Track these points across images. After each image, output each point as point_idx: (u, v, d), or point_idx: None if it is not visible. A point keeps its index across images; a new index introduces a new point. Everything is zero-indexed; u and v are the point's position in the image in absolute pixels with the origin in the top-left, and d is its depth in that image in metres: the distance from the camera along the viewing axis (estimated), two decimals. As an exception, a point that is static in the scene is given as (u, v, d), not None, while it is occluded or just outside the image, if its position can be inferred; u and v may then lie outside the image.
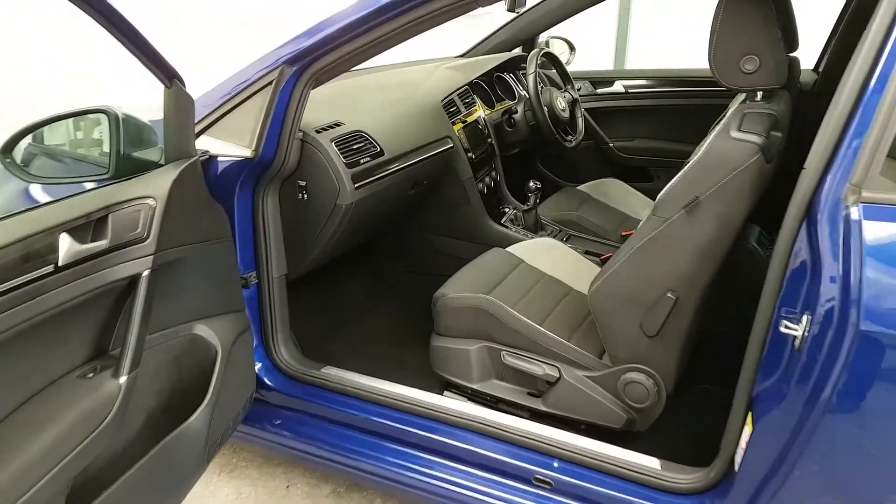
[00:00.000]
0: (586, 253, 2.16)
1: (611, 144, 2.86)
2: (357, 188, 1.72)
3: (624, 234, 2.31)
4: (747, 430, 1.25)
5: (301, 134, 1.64)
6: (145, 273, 1.22)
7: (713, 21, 1.28)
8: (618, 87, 2.87)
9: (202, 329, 1.41)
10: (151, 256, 1.22)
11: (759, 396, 1.23)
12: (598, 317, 1.55)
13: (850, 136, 1.03)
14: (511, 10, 2.07)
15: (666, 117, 2.76)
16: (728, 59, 1.28)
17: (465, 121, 2.26)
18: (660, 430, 1.61)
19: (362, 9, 1.41)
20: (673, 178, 1.37)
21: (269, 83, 1.46)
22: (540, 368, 1.62)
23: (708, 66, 1.32)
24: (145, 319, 1.22)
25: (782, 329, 1.10)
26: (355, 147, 1.75)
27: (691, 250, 1.36)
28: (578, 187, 2.72)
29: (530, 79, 2.33)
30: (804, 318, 1.05)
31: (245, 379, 1.57)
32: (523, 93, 2.72)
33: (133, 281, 1.22)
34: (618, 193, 2.67)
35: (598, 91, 2.89)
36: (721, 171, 1.27)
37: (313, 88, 1.55)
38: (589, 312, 1.59)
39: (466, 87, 2.36)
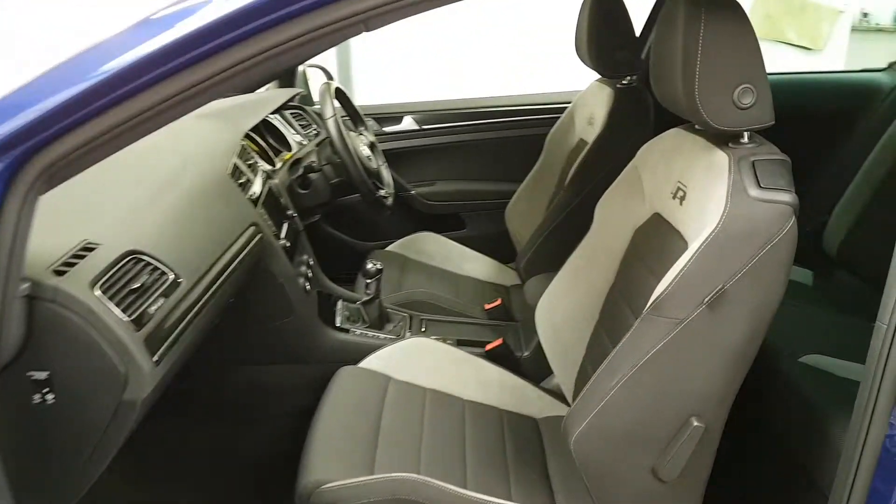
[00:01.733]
0: (459, 344, 1.66)
1: (412, 192, 2.39)
2: (159, 361, 0.95)
3: (488, 307, 1.87)
4: None
5: (27, 286, 0.83)
6: None
7: (686, 48, 0.96)
8: (408, 123, 2.41)
9: None
10: None
11: None
12: (587, 469, 1.08)
13: None
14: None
15: (470, 154, 2.42)
16: (719, 94, 0.96)
17: (260, 193, 1.57)
18: None
19: (145, 47, 0.73)
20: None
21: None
22: None
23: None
24: None
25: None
26: (134, 286, 0.97)
27: (720, 357, 0.99)
28: (389, 248, 2.21)
29: (330, 123, 1.75)
30: None
31: None
32: (297, 138, 2.09)
33: None
34: (437, 249, 2.24)
35: (387, 130, 2.41)
36: (749, 247, 0.94)
37: (42, 194, 0.78)
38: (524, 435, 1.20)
39: (244, 141, 1.67)
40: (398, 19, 0.81)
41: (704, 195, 1.01)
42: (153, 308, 0.98)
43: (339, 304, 1.77)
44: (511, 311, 1.87)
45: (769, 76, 1.00)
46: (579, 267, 1.35)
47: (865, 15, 5.70)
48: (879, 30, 5.83)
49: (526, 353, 1.66)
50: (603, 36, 1.71)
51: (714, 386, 1.00)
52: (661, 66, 1.06)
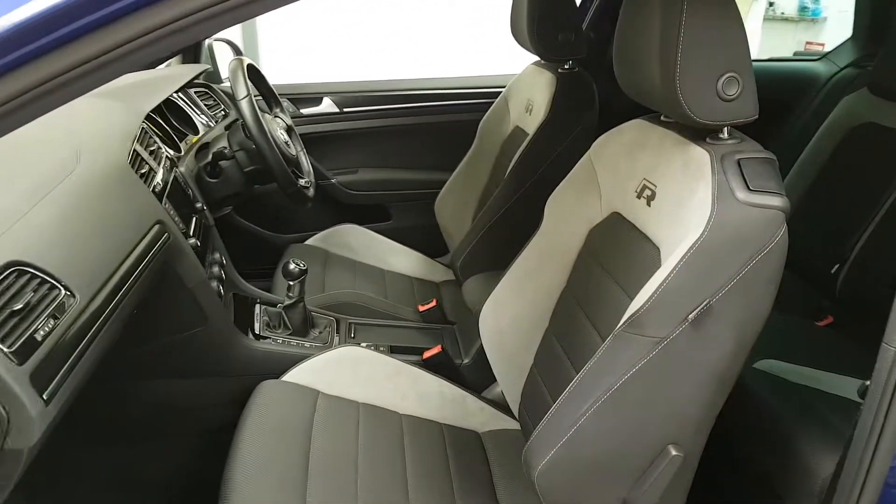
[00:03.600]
0: (392, 351, 1.58)
1: (333, 180, 2.27)
2: (49, 399, 0.81)
3: (422, 308, 1.78)
4: None
5: None
6: None
7: (665, 33, 0.88)
8: (327, 105, 2.28)
9: None
10: None
11: None
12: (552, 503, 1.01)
13: None
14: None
15: (396, 141, 2.31)
16: (701, 83, 0.88)
17: (165, 183, 1.41)
18: None
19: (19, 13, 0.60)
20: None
21: None
22: None
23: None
24: None
25: None
26: (15, 307, 0.82)
27: (702, 379, 0.92)
28: (308, 241, 2.09)
29: (244, 104, 1.60)
30: None
31: None
32: (204, 120, 1.92)
33: None
34: (361, 242, 2.14)
35: (304, 112, 2.26)
36: (738, 257, 0.86)
37: None
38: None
39: (145, 124, 1.49)
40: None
41: (681, 197, 0.94)
42: (40, 333, 0.82)
43: (258, 308, 1.64)
44: (446, 313, 1.80)
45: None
46: (528, 268, 1.27)
47: (771, 4, 5.93)
48: (785, 19, 6.09)
49: (466, 361, 1.60)
50: (543, 15, 1.64)
51: (694, 411, 0.93)
52: (630, 53, 0.99)
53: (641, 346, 0.89)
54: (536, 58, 1.79)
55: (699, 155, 0.93)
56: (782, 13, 6.17)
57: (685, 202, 0.92)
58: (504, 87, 1.96)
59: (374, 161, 2.32)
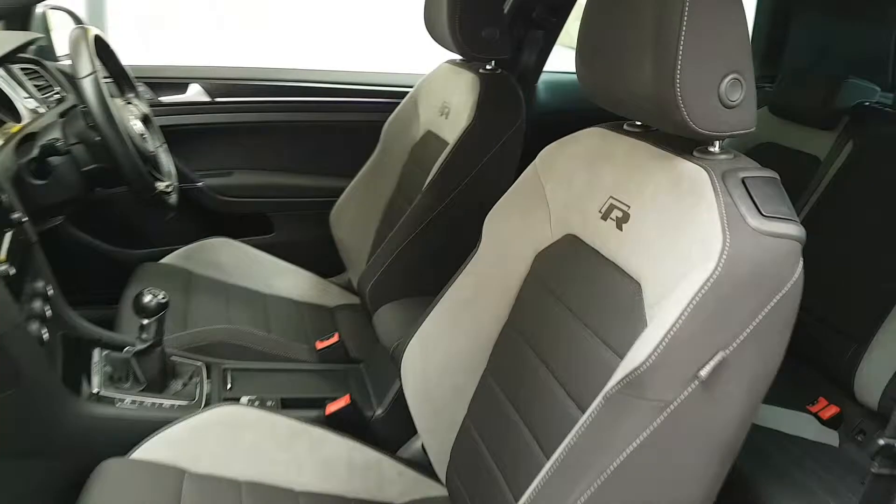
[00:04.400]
0: (284, 406, 1.27)
1: (200, 184, 1.89)
2: None
3: (321, 345, 1.47)
4: None
5: None
6: None
7: (664, 26, 0.74)
8: (195, 92, 1.90)
9: None
10: None
11: None
12: None
13: None
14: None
15: (282, 139, 1.98)
16: (705, 87, 0.75)
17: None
18: None
19: None
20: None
21: None
22: None
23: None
24: None
25: None
26: None
27: (712, 446, 0.76)
28: (166, 259, 1.72)
29: (87, 84, 1.24)
30: None
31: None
32: (31, 104, 1.50)
33: None
34: (236, 260, 1.80)
35: (165, 100, 1.87)
36: (755, 299, 0.73)
37: None
38: None
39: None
40: None
41: (670, 221, 0.78)
42: None
43: (97, 354, 1.24)
44: (349, 349, 1.49)
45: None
46: (463, 299, 1.08)
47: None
48: None
49: (379, 412, 1.31)
50: (467, 8, 1.42)
51: (702, 485, 0.77)
52: (607, 52, 0.82)
53: (644, 413, 0.72)
54: (448, 55, 1.58)
55: (692, 171, 0.79)
56: None
57: (679, 228, 0.77)
58: (411, 86, 1.72)
59: (253, 162, 1.96)
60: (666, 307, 0.73)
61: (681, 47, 0.72)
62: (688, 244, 0.75)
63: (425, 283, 1.43)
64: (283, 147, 1.95)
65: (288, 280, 1.81)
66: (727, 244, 0.71)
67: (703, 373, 0.71)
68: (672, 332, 0.71)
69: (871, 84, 1.62)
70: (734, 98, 0.75)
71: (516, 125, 1.40)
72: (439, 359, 1.09)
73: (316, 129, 1.93)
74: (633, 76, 0.78)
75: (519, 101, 1.44)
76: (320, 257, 1.87)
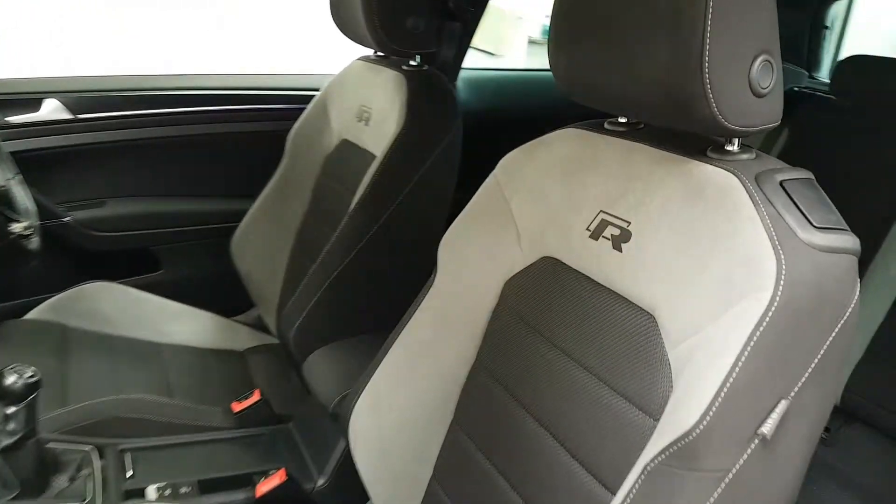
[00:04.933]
0: (202, 491, 1.03)
1: (66, 218, 1.59)
2: None
3: (238, 407, 1.23)
4: None
5: None
6: None
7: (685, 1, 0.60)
8: (53, 108, 1.59)
9: None
10: None
11: None
12: None
13: None
14: None
15: (163, 158, 1.71)
16: (734, 73, 0.62)
17: None
18: None
19: None
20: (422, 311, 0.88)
21: None
22: None
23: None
24: None
25: None
26: None
27: None
28: (31, 314, 1.44)
29: None
30: None
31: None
32: None
33: None
34: (120, 307, 1.53)
35: (14, 120, 1.56)
36: (816, 328, 0.61)
37: None
38: None
39: None
40: None
41: (695, 240, 0.65)
42: None
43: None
44: (273, 405, 1.26)
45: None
46: (420, 341, 0.92)
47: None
48: (532, 42, 6.58)
49: (321, 483, 1.09)
50: None
51: None
52: (598, 35, 0.68)
53: (699, 487, 0.58)
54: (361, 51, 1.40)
55: (716, 177, 0.66)
56: (529, 36, 6.69)
57: (707, 247, 0.64)
58: (317, 90, 1.51)
59: (131, 188, 1.67)
60: (709, 348, 0.60)
61: (709, 22, 0.58)
62: (724, 267, 0.61)
63: (362, 320, 1.24)
64: (166, 167, 1.67)
65: (185, 324, 1.54)
66: (783, 266, 0.58)
67: (767, 429, 0.58)
68: (729, 384, 0.57)
69: (798, 68, 1.60)
70: (765, 85, 0.63)
71: (454, 128, 1.23)
72: (396, 415, 0.92)
73: (206, 143, 1.67)
74: (638, 62, 0.64)
75: (454, 100, 1.28)
76: (221, 293, 1.62)
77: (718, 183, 0.65)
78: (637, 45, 0.63)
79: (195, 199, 1.69)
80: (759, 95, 0.63)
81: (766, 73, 0.62)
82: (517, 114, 1.65)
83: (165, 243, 1.69)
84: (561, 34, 0.73)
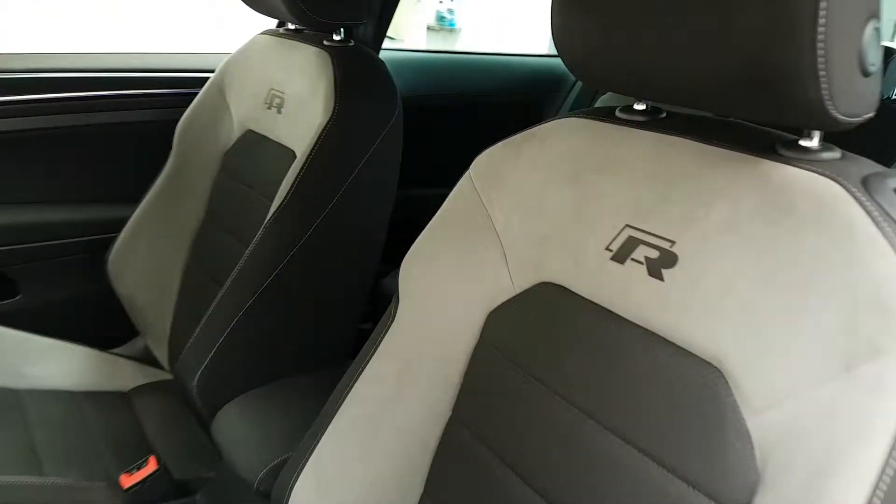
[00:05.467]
0: None
1: None
2: None
3: (129, 480, 0.96)
4: None
5: None
6: None
7: None
8: None
9: None
10: None
11: None
12: None
13: None
14: None
15: (11, 157, 1.38)
16: (849, 45, 0.46)
17: None
18: None
19: None
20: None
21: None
22: None
23: None
24: None
25: None
26: None
27: None
28: None
29: None
30: None
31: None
32: None
33: None
34: None
35: None
36: None
37: None
38: None
39: None
40: None
41: (785, 269, 0.49)
42: None
43: None
44: (171, 470, 1.00)
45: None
46: (377, 397, 0.73)
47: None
48: (428, 28, 6.54)
49: None
50: None
51: None
52: (652, 12, 0.51)
53: None
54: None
55: (807, 182, 0.50)
56: (427, 24, 6.65)
57: (805, 279, 0.48)
58: (212, 71, 1.26)
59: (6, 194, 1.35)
60: (831, 424, 0.44)
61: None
62: (839, 308, 0.46)
63: (287, 360, 1.00)
64: (16, 169, 1.35)
65: (53, 362, 1.26)
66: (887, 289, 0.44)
67: None
68: (886, 484, 0.41)
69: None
70: (874, 60, 0.48)
71: (395, 116, 1.03)
72: (352, 496, 0.71)
73: (73, 137, 1.36)
74: (702, 34, 0.48)
75: (391, 82, 1.07)
76: (98, 322, 1.36)
77: (813, 191, 0.49)
78: (702, 12, 0.47)
79: (60, 206, 1.38)
80: (866, 74, 0.48)
81: (874, 44, 0.48)
82: (452, 100, 1.46)
83: (21, 262, 1.37)
84: (573, 3, 0.56)
